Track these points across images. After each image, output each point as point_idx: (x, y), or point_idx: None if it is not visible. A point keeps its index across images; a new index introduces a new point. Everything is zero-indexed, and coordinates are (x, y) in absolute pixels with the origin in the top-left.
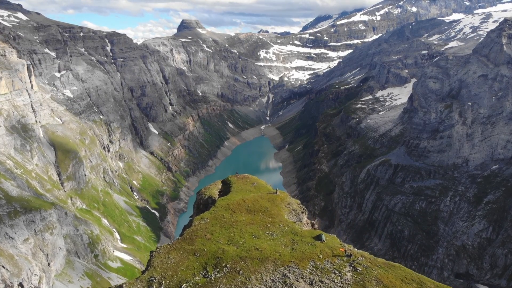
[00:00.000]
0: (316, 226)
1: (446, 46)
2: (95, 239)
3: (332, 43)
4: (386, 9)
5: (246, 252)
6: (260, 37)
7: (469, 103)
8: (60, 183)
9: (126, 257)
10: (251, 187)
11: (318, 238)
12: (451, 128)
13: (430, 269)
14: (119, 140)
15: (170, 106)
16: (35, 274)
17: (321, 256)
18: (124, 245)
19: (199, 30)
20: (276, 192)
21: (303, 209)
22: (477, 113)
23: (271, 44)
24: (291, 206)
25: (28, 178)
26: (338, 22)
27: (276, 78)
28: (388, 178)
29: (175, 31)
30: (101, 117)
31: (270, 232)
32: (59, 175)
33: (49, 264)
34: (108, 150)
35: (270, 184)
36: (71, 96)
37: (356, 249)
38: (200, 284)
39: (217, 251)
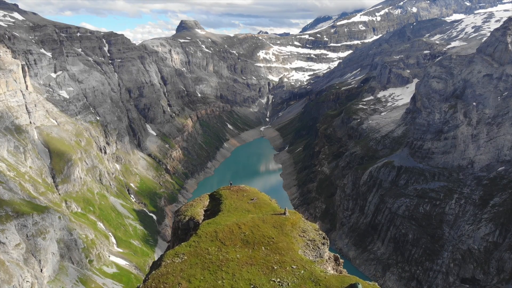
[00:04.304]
0: (341, 261)
1: (448, 46)
2: (90, 243)
3: (332, 44)
4: (386, 10)
5: None
6: (260, 38)
7: (474, 103)
8: (54, 186)
9: (122, 262)
10: (249, 205)
11: None
12: (456, 129)
13: (435, 274)
14: (116, 142)
15: (168, 107)
16: (27, 281)
17: None
18: (120, 250)
19: (198, 31)
20: (285, 213)
21: (324, 238)
22: (482, 114)
23: (271, 45)
24: (307, 235)
25: (21, 181)
26: (338, 23)
27: (276, 79)
28: (391, 180)
29: (174, 32)
30: (98, 118)
31: (278, 279)
32: (53, 177)
33: (41, 270)
34: (105, 152)
35: (274, 199)
36: (67, 97)
37: None
38: None
39: None
